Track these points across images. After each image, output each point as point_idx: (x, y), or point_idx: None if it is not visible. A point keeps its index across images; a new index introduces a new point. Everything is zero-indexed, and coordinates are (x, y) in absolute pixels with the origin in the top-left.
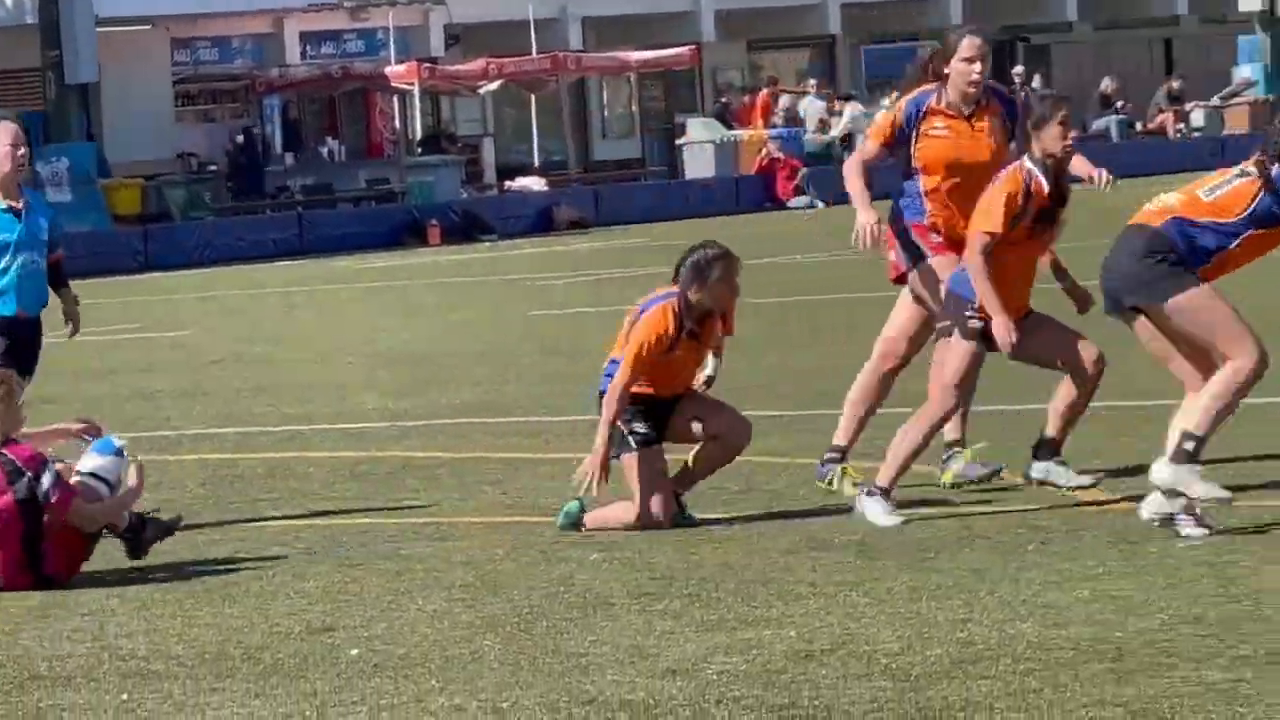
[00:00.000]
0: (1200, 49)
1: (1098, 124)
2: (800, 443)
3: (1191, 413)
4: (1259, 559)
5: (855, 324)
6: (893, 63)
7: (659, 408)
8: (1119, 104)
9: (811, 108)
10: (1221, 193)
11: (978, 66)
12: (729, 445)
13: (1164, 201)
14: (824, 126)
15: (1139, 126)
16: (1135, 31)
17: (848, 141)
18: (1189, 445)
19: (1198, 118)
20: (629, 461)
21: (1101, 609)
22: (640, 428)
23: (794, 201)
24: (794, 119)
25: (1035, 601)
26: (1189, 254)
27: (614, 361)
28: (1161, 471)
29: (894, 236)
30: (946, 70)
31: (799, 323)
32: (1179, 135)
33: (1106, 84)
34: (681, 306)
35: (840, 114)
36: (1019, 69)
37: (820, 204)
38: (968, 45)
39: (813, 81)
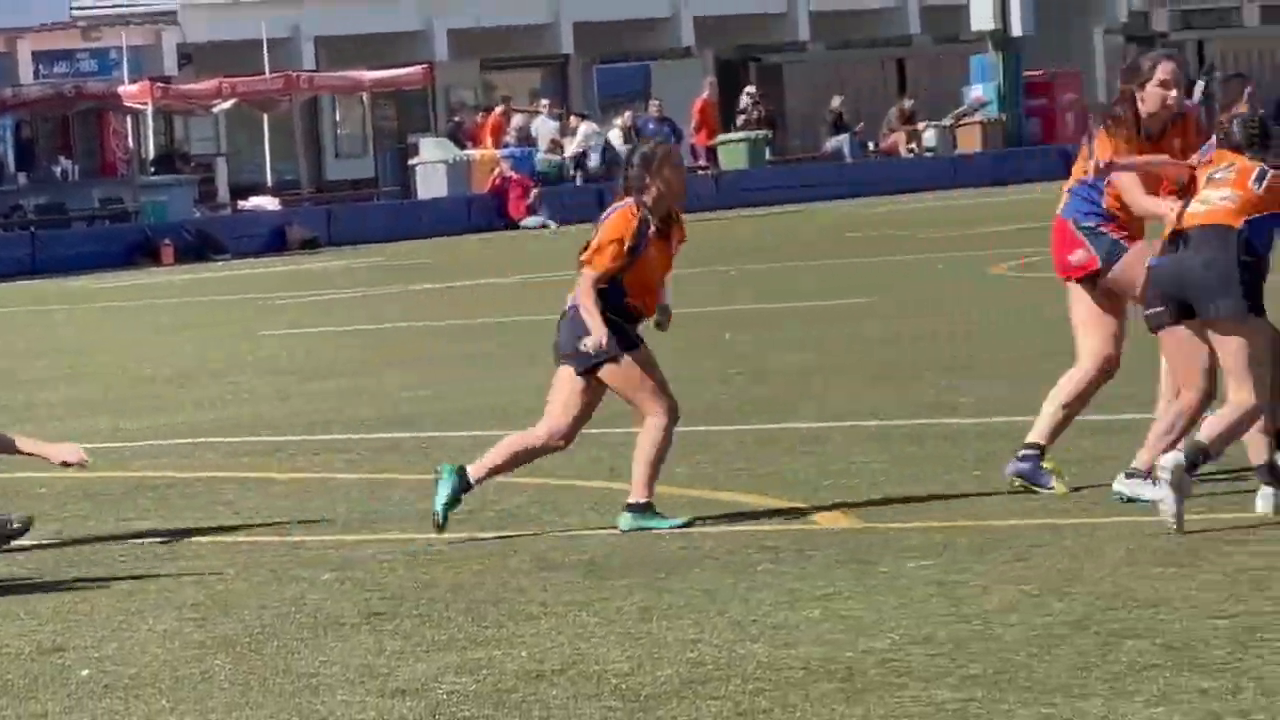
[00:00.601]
0: (933, 68)
1: (830, 144)
2: (533, 463)
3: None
4: (989, 578)
5: None
6: (625, 82)
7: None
8: (851, 124)
9: (544, 127)
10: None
11: (1174, 92)
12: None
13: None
14: (556, 146)
15: (871, 146)
16: (868, 51)
17: (581, 161)
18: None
19: (930, 137)
20: (629, 363)
21: (832, 629)
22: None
23: (527, 221)
24: (527, 138)
25: (765, 621)
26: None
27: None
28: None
29: (1075, 236)
30: (1137, 90)
31: (534, 342)
32: (911, 155)
33: (837, 103)
34: (642, 207)
35: (574, 133)
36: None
37: (553, 224)
38: (1163, 70)
39: (545, 101)
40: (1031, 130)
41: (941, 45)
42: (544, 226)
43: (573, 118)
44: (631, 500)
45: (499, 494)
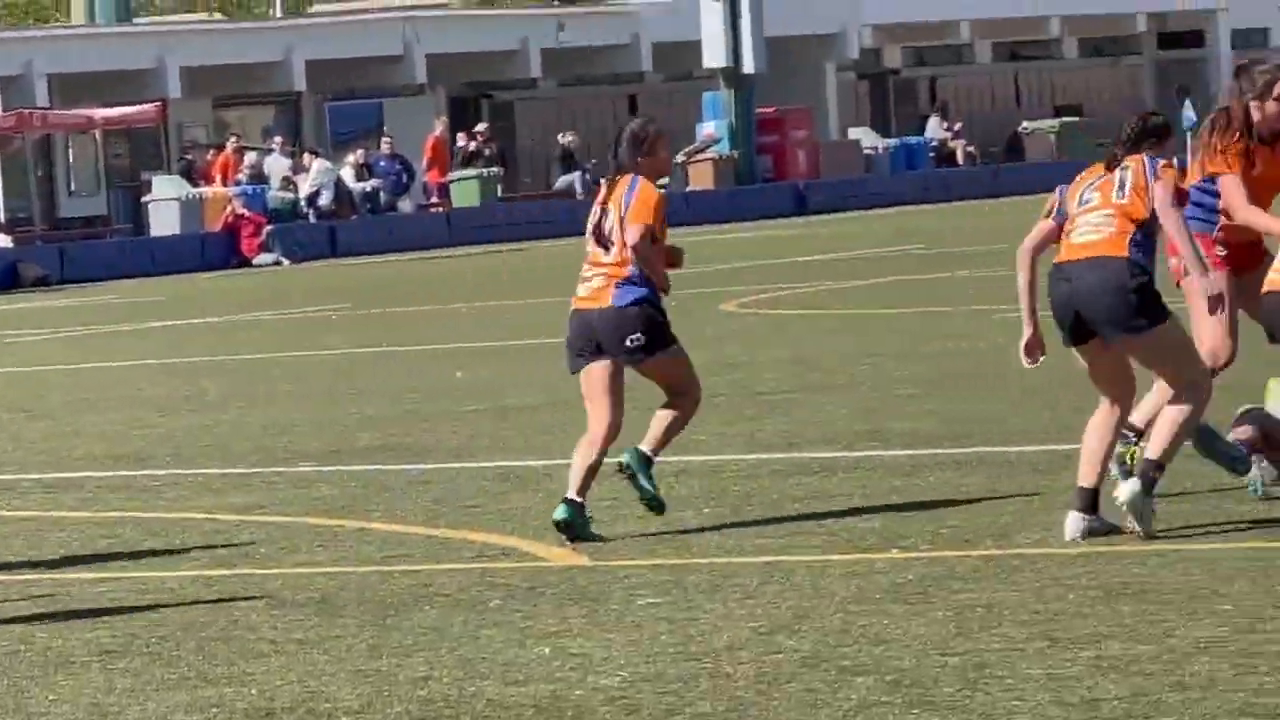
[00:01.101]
0: (665, 105)
1: (561, 181)
2: (257, 500)
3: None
4: (718, 616)
5: (305, 379)
6: (358, 119)
7: None
8: (582, 161)
9: (276, 165)
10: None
11: None
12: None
13: None
14: (289, 184)
15: (603, 183)
16: (599, 88)
17: (313, 198)
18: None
19: None
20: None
21: (562, 666)
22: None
23: (259, 259)
24: (259, 176)
25: (496, 659)
26: None
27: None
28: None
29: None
30: (1254, 101)
31: (261, 381)
32: None
33: (569, 140)
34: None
35: (307, 170)
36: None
37: (286, 261)
38: None
39: (277, 138)
40: (763, 167)
41: (673, 82)
42: (277, 264)
43: (305, 155)
44: (646, 448)
45: (231, 531)
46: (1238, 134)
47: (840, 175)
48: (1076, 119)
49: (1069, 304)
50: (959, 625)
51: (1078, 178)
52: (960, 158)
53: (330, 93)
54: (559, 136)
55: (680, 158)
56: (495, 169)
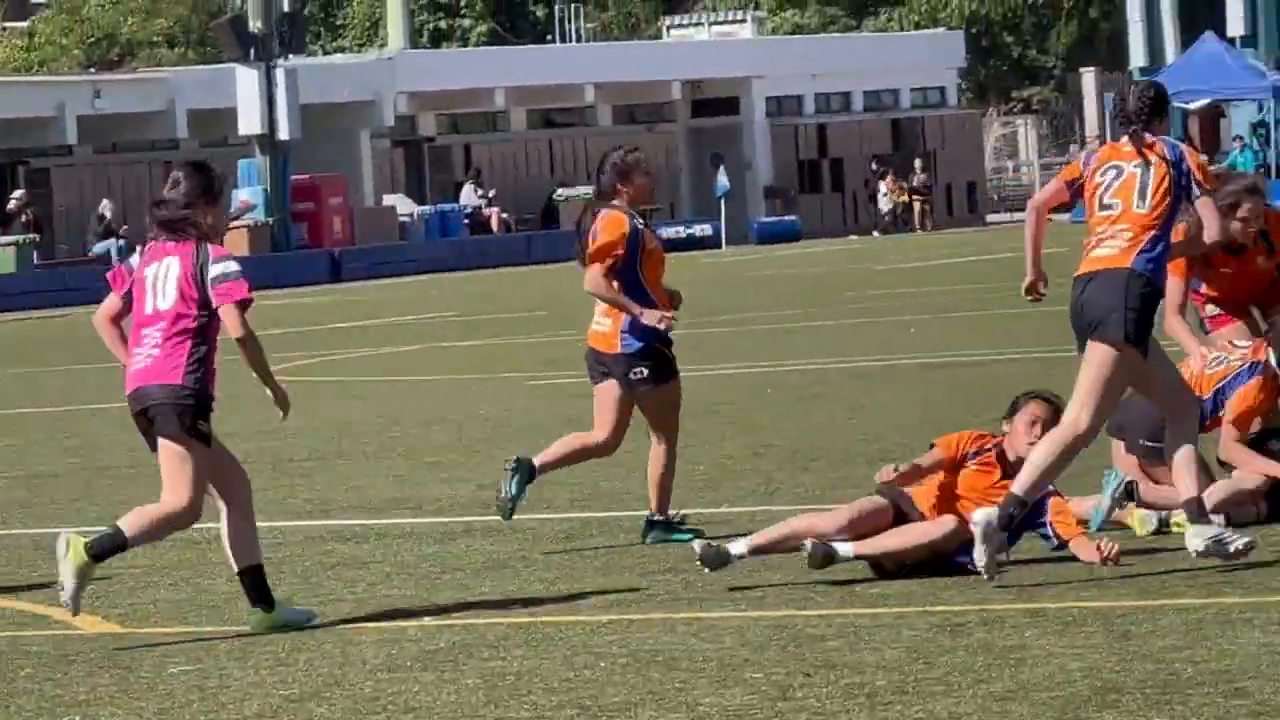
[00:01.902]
0: None
1: (97, 248)
2: None
3: None
4: (249, 683)
5: None
6: None
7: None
8: (118, 228)
9: None
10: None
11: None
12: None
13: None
14: None
15: (139, 249)
16: (137, 154)
17: None
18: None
19: None
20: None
21: None
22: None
23: None
24: None
25: None
26: None
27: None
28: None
29: None
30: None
31: None
32: None
33: (104, 207)
34: (626, 207)
35: None
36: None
37: None
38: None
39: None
40: (299, 234)
41: (209, 148)
42: None
43: None
44: (656, 517)
45: None
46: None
47: (375, 242)
48: None
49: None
50: (489, 693)
51: (1101, 151)
52: (495, 225)
53: None
54: (99, 205)
55: None
56: (32, 235)
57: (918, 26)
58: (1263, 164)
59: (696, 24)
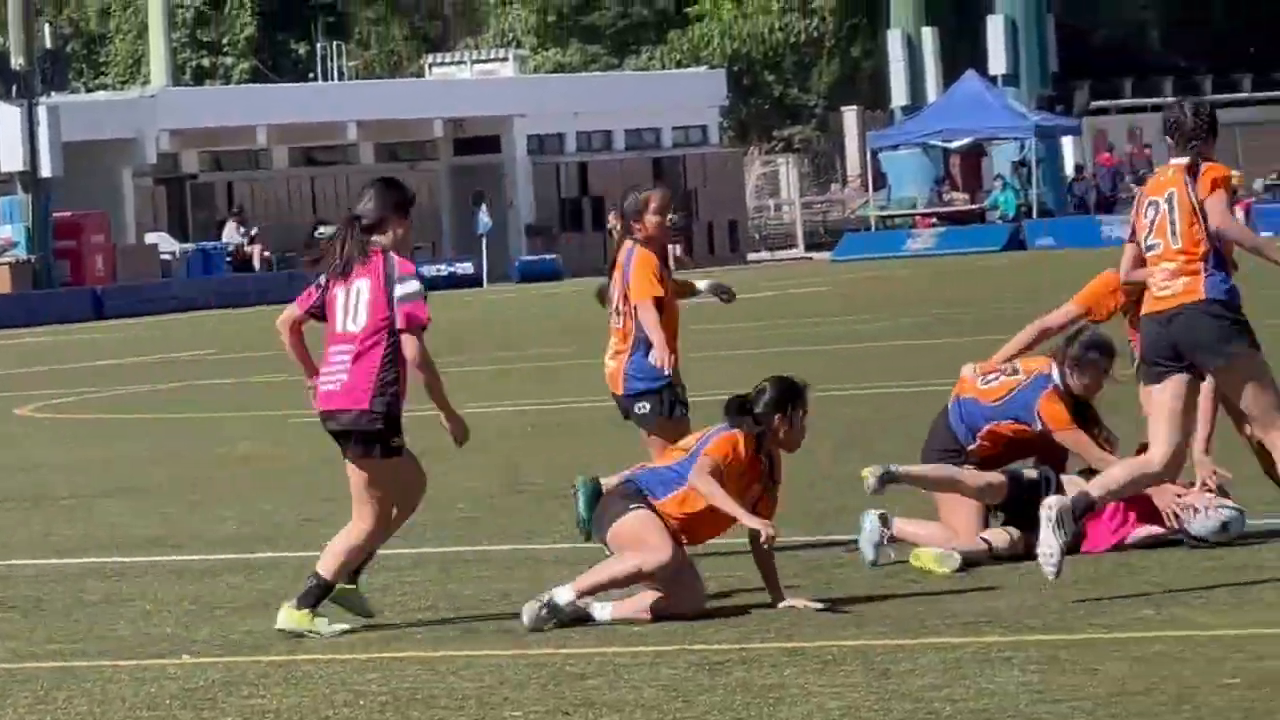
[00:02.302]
0: None
1: None
2: None
3: None
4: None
5: None
6: None
7: None
8: None
9: None
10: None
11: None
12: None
13: None
14: None
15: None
16: None
17: None
18: None
19: None
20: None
21: None
22: None
23: None
24: None
25: None
26: None
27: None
28: None
29: None
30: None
31: None
32: None
33: None
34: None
35: None
36: None
37: None
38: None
39: None
40: (61, 271)
41: None
42: None
43: None
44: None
45: None
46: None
47: (138, 280)
48: None
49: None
50: None
51: (1149, 181)
52: (257, 262)
53: None
54: None
55: None
56: None
57: (679, 65)
58: (1024, 203)
59: (459, 62)
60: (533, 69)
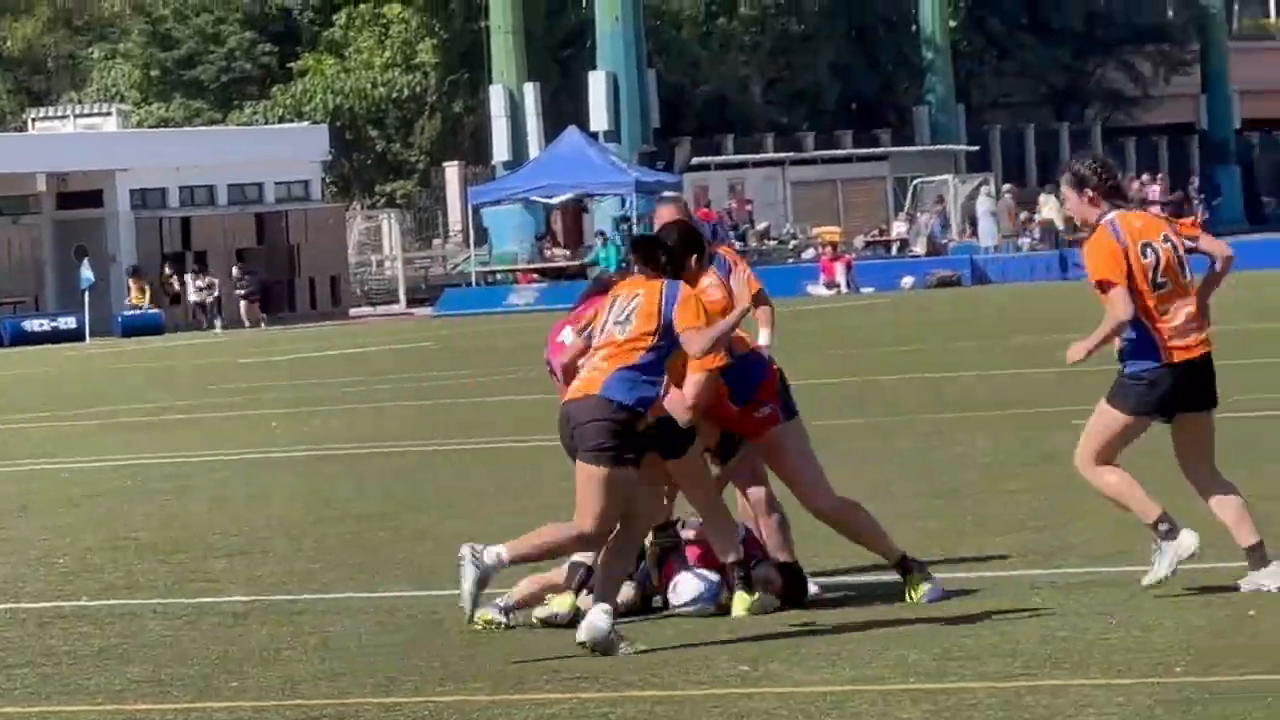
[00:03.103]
0: None
1: None
2: None
3: None
4: None
5: None
6: None
7: None
8: None
9: None
10: None
11: None
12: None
13: None
14: None
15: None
16: None
17: None
18: None
19: None
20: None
21: None
22: None
23: None
24: None
25: None
26: None
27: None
28: None
29: None
30: None
31: None
32: None
33: None
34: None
35: None
36: None
37: None
38: None
39: None
40: None
41: None
42: None
43: None
44: None
45: None
46: None
47: None
48: None
49: None
50: None
51: (1126, 224)
52: None
53: None
54: None
55: None
56: None
57: (282, 120)
58: (624, 258)
59: (62, 116)
60: (136, 123)
